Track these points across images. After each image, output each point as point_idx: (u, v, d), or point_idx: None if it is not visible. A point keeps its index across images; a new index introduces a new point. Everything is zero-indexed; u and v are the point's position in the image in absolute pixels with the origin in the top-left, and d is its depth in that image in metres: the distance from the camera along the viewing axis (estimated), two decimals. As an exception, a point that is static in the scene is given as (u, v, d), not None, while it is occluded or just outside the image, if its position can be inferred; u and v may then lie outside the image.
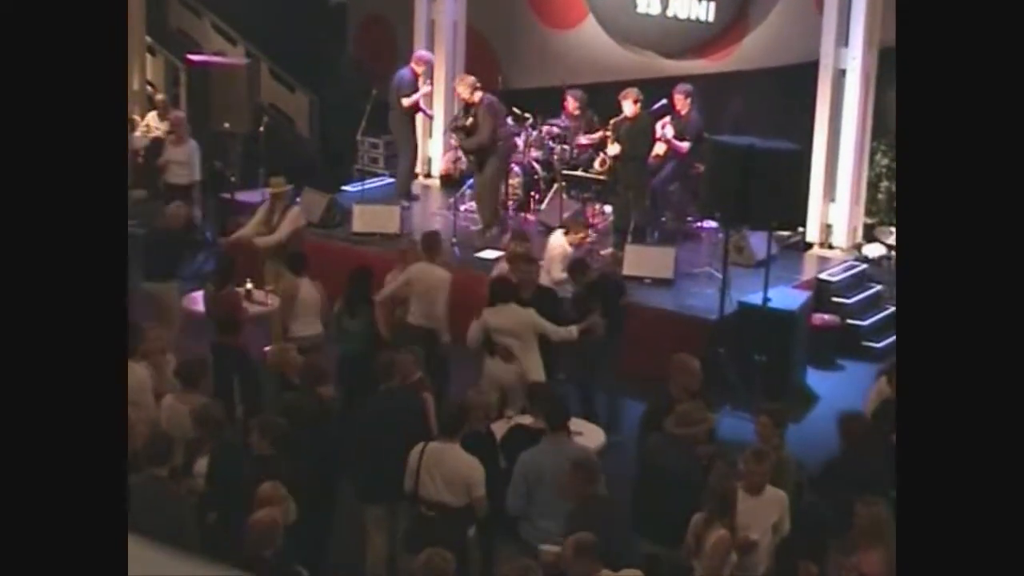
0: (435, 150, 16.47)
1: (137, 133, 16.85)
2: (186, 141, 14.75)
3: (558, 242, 11.74)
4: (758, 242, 13.15)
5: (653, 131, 13.58)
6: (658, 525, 7.83)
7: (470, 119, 14.03)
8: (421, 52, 15.60)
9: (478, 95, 14.02)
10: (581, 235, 11.82)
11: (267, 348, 10.50)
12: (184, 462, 7.95)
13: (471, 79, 14.39)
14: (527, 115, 14.89)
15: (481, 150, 14.05)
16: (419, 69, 15.09)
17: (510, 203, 14.59)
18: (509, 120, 14.68)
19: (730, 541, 7.10)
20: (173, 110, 15.73)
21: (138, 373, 8.61)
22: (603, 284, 10.94)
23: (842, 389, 11.99)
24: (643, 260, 12.81)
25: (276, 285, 11.45)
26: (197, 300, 11.42)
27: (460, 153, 15.30)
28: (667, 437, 8.01)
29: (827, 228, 14.29)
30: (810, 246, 14.28)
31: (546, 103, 15.00)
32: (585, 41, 15.97)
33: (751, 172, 11.41)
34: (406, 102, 14.97)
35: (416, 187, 15.78)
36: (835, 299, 13.17)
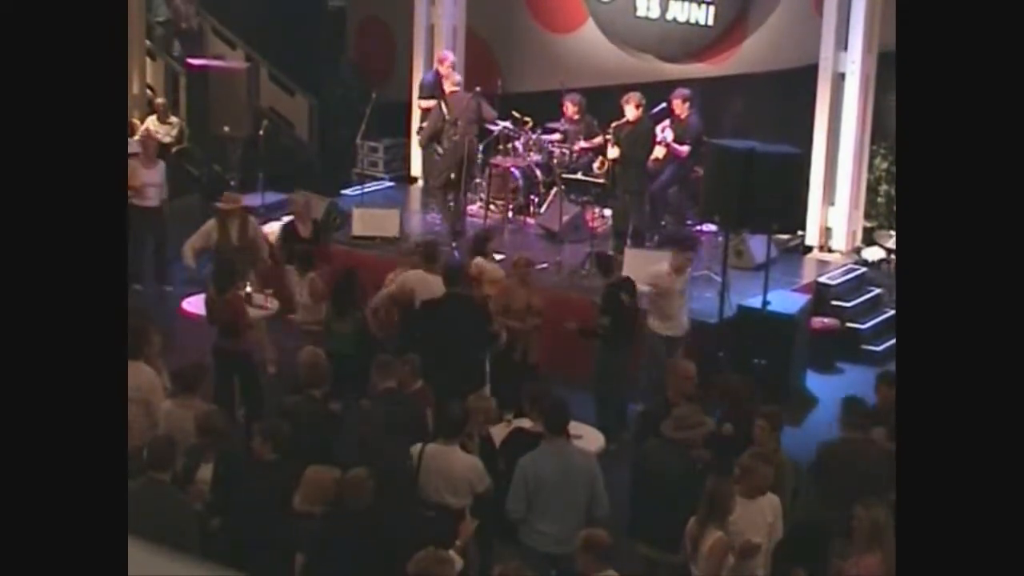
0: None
1: (136, 137, 16.86)
2: (156, 161, 14.10)
3: (658, 265, 11.54)
4: (758, 245, 13.16)
5: (654, 135, 13.58)
6: (655, 529, 7.83)
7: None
8: (443, 52, 15.58)
9: (452, 90, 14.33)
10: (685, 259, 11.57)
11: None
12: (186, 468, 7.94)
13: (455, 76, 14.57)
14: (527, 119, 14.91)
15: (428, 144, 14.32)
16: (443, 70, 15.08)
17: (510, 207, 14.60)
18: (508, 123, 14.74)
19: (727, 543, 7.11)
20: (142, 130, 14.78)
21: (147, 373, 8.59)
22: (618, 291, 11.01)
23: (841, 392, 11.92)
24: (643, 264, 12.81)
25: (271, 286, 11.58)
26: (197, 304, 11.42)
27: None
28: (664, 441, 8.02)
29: (826, 231, 14.31)
30: (809, 249, 14.30)
31: (546, 107, 15.02)
32: (585, 45, 15.98)
33: (751, 175, 11.42)
34: (422, 104, 15.02)
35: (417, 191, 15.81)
36: (834, 302, 13.17)
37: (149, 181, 13.77)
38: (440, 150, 14.47)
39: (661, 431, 8.05)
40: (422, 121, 15.32)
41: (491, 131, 14.86)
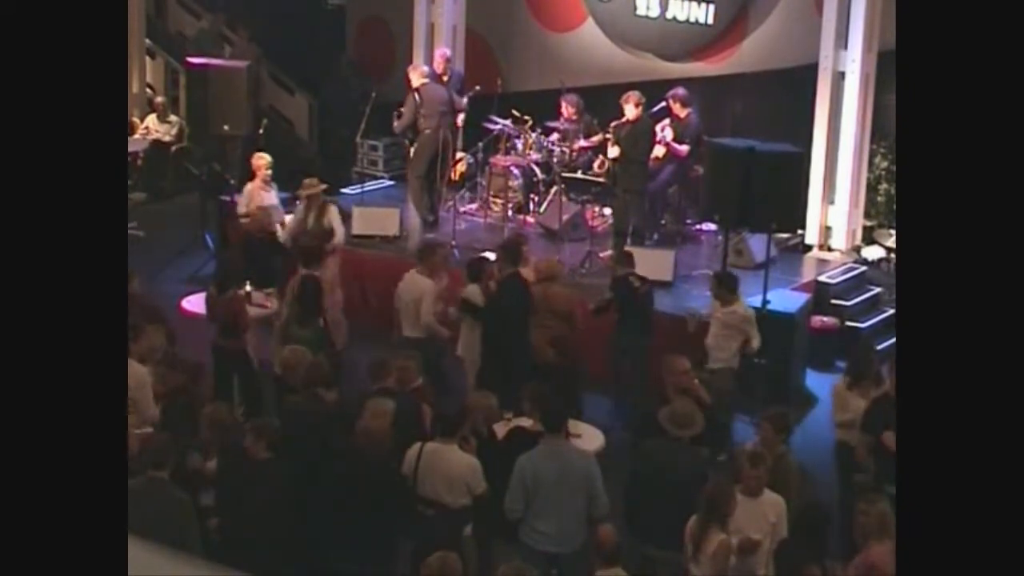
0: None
1: (136, 136, 16.88)
2: (271, 183, 13.34)
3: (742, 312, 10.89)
4: (757, 244, 13.15)
5: (653, 134, 13.58)
6: (655, 528, 7.83)
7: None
8: (439, 49, 15.56)
9: (422, 82, 14.27)
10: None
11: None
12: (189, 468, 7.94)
13: (423, 68, 14.59)
14: (527, 117, 14.91)
15: (405, 135, 14.27)
16: (439, 68, 15.07)
17: (509, 205, 14.60)
18: (508, 122, 14.76)
19: (730, 545, 7.11)
20: (257, 162, 13.59)
21: (137, 371, 8.59)
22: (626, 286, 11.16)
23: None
24: (642, 262, 12.80)
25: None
26: (197, 303, 11.42)
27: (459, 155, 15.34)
28: (662, 440, 8.03)
29: (826, 230, 14.30)
30: (809, 248, 14.29)
31: (546, 105, 15.02)
32: (585, 44, 15.98)
33: (751, 175, 11.41)
34: None
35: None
36: (834, 301, 13.16)
37: (271, 203, 13.22)
38: (415, 144, 14.51)
39: (659, 420, 8.06)
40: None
41: (491, 129, 14.87)
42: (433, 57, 15.39)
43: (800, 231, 14.22)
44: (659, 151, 13.69)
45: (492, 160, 14.76)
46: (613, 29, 15.69)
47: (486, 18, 16.58)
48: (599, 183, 14.11)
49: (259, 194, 13.16)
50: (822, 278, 13.41)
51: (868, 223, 14.43)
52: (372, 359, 9.07)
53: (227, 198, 14.69)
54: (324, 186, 12.51)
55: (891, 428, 8.40)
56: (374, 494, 7.63)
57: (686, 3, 15.11)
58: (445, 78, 14.92)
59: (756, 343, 10.66)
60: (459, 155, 15.30)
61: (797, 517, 7.54)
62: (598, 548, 7.09)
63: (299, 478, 7.69)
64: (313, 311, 10.20)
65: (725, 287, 10.89)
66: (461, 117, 14.75)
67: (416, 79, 14.39)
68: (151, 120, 17.18)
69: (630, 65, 15.60)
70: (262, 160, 13.22)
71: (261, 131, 14.86)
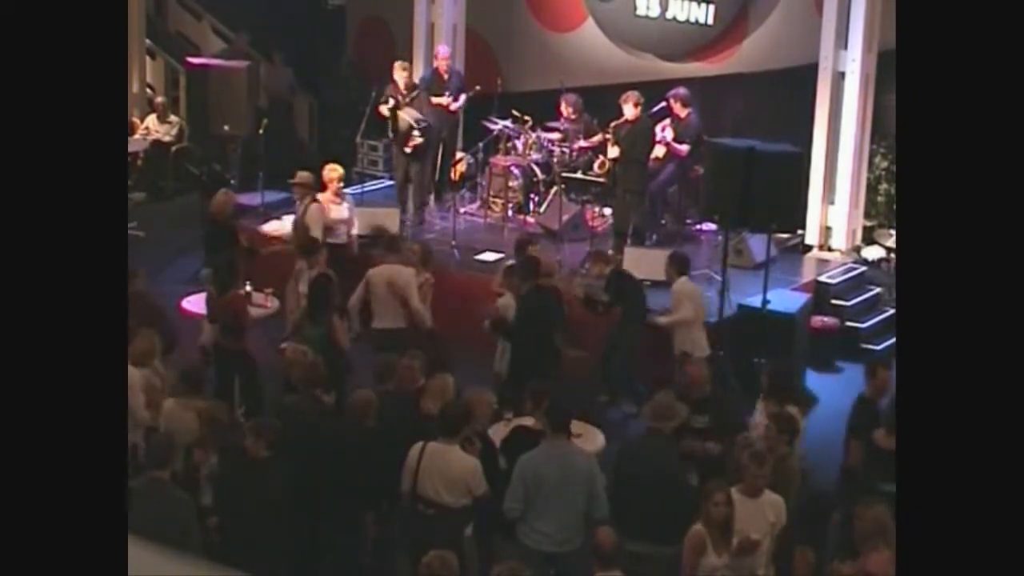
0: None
1: (136, 136, 16.87)
2: (344, 196, 13.16)
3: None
4: (757, 244, 13.16)
5: (653, 134, 13.58)
6: (640, 523, 7.84)
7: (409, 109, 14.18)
8: (439, 47, 15.54)
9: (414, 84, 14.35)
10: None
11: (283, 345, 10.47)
12: (189, 467, 7.93)
13: (407, 65, 14.63)
14: (527, 117, 14.91)
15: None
16: (442, 67, 15.02)
17: (509, 205, 14.59)
18: (508, 122, 14.78)
19: (703, 536, 7.12)
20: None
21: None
22: (619, 278, 11.31)
23: (841, 391, 11.96)
24: (642, 262, 12.81)
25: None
26: (197, 303, 11.41)
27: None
28: (647, 436, 8.06)
29: (826, 230, 14.31)
30: (809, 248, 14.29)
31: (546, 105, 15.02)
32: (585, 44, 15.99)
33: (751, 175, 11.41)
34: (432, 101, 15.03)
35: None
36: (834, 301, 13.17)
37: (342, 216, 12.96)
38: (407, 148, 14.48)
39: (640, 415, 8.09)
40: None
41: (490, 129, 14.87)
42: (436, 55, 15.33)
43: (800, 231, 14.23)
44: (659, 151, 13.69)
45: (492, 160, 14.76)
46: (613, 29, 15.69)
47: (486, 18, 16.58)
48: (599, 183, 14.12)
49: (330, 206, 12.84)
50: (822, 278, 13.42)
51: (868, 223, 14.44)
52: (376, 360, 9.06)
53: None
54: (306, 181, 12.56)
55: (882, 428, 8.42)
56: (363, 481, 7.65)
57: (686, 3, 15.12)
58: (446, 77, 14.91)
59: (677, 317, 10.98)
60: (459, 155, 15.31)
61: (794, 514, 7.56)
62: (596, 550, 7.09)
63: (298, 477, 7.70)
64: (321, 309, 10.24)
65: (675, 267, 11.21)
66: (456, 105, 14.83)
67: (405, 79, 14.32)
68: (151, 120, 17.17)
69: (630, 65, 15.60)
70: (335, 172, 12.88)
71: (261, 131, 14.86)
